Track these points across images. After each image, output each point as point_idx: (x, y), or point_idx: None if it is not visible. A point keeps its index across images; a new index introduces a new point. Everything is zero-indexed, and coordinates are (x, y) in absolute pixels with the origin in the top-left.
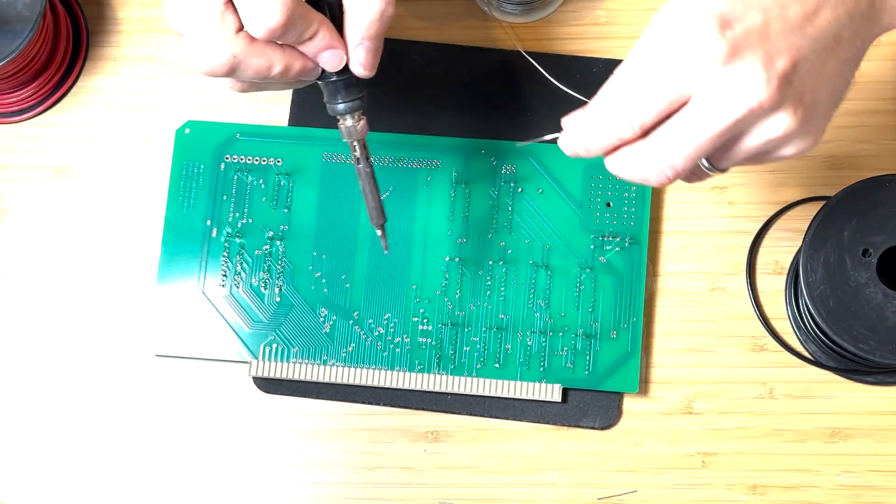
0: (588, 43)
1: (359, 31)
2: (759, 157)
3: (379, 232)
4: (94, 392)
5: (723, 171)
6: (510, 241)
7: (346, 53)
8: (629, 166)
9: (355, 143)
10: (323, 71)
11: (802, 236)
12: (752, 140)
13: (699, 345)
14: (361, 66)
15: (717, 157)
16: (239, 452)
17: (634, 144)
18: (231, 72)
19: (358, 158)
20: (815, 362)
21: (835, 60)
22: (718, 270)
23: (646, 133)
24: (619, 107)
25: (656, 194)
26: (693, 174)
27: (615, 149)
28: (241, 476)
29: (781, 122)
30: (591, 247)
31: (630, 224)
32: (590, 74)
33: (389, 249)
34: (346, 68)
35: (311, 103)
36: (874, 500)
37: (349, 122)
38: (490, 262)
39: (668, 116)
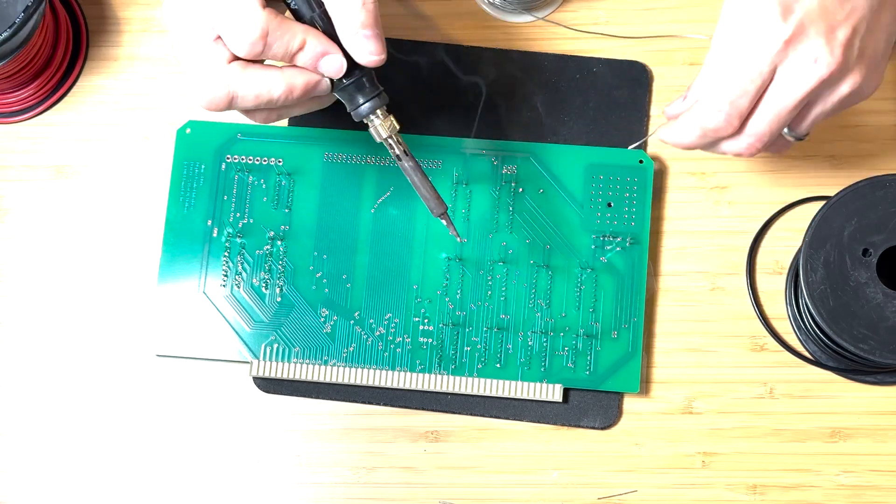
0: (588, 43)
1: (351, 24)
2: (833, 113)
3: (444, 221)
4: (94, 392)
5: (803, 136)
6: (511, 241)
7: (343, 56)
8: (722, 148)
9: (390, 141)
10: (333, 82)
11: (802, 236)
12: (827, 103)
13: (699, 345)
14: (369, 53)
15: (796, 124)
16: (239, 452)
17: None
18: (231, 102)
19: (398, 156)
20: (815, 362)
21: (888, 10)
22: (718, 270)
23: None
24: (716, 109)
25: (657, 195)
26: (776, 144)
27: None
28: (242, 476)
29: (850, 82)
30: (592, 247)
31: (631, 224)
32: (590, 74)
33: (390, 249)
34: (355, 71)
35: None
36: (874, 500)
37: (376, 121)
38: (491, 262)
39: (757, 103)
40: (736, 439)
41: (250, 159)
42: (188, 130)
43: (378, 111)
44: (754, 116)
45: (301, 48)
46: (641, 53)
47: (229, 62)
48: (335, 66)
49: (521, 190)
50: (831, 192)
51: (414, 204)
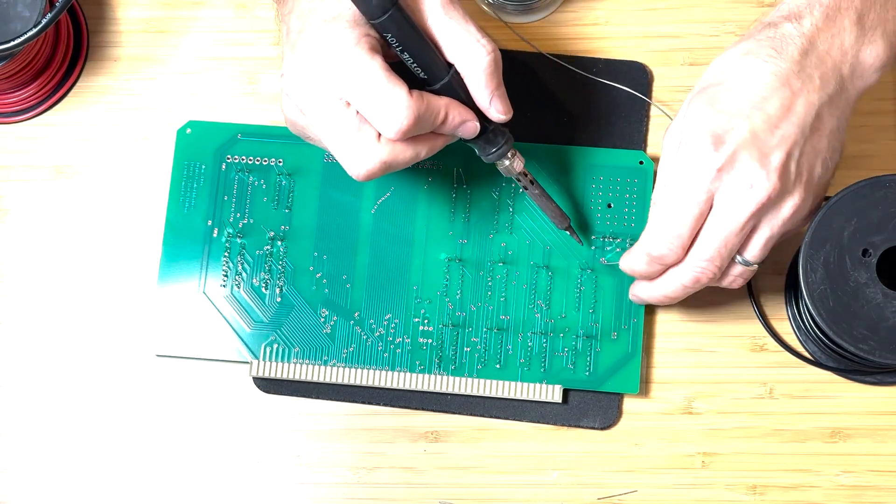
0: (588, 43)
1: (485, 89)
2: (781, 236)
3: (569, 232)
4: (94, 392)
5: (756, 263)
6: (511, 241)
7: (477, 119)
8: (678, 280)
9: (518, 177)
10: None
11: (802, 236)
12: (773, 226)
13: (699, 345)
14: (500, 113)
15: (746, 251)
16: (239, 452)
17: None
18: (386, 171)
19: (525, 187)
20: (815, 362)
21: (821, 135)
22: None
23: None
24: (659, 237)
25: None
26: (731, 275)
27: (661, 273)
28: (242, 476)
29: (790, 204)
30: (592, 248)
31: (630, 225)
32: (590, 74)
33: (390, 249)
34: (484, 126)
35: None
36: (874, 500)
37: (505, 163)
38: (491, 263)
39: (698, 233)
40: (736, 439)
41: (250, 159)
42: (188, 130)
43: (507, 154)
44: (701, 243)
45: (444, 121)
46: (641, 53)
47: (378, 140)
48: (472, 130)
49: (521, 190)
50: (831, 192)
51: (414, 204)
